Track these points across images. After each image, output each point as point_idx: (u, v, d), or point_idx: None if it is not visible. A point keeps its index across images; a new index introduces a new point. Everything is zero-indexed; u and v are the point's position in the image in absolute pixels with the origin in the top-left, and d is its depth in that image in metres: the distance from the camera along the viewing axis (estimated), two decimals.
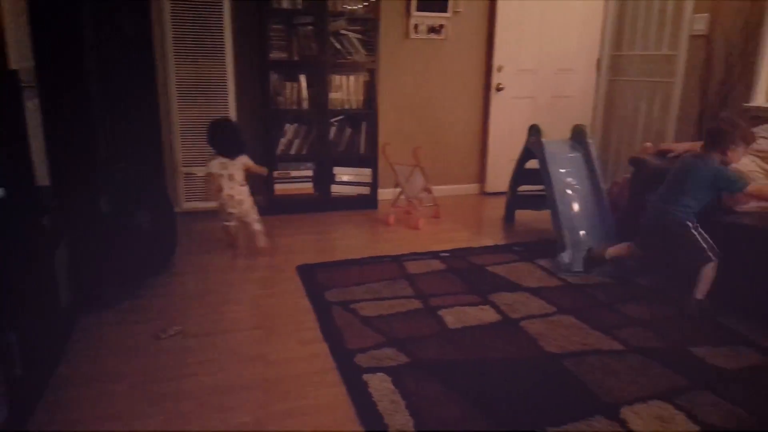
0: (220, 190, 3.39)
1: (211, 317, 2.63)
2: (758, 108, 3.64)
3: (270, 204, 4.35)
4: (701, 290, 2.67)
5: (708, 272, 2.65)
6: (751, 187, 2.64)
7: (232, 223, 3.50)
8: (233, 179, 3.39)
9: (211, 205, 4.20)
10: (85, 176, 2.56)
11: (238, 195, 3.41)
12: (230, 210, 3.42)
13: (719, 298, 2.72)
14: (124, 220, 2.75)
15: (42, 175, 2.45)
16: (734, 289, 2.68)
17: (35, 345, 1.96)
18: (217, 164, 3.38)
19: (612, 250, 3.08)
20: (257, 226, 3.50)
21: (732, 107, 3.79)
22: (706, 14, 3.95)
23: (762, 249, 2.55)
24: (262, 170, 3.61)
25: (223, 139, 3.41)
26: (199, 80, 4.06)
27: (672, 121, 4.29)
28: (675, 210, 2.72)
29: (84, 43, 2.46)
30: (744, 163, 2.95)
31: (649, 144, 3.53)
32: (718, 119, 2.85)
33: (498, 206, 4.52)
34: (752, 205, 2.77)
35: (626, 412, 1.91)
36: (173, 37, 3.94)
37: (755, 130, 3.15)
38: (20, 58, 2.29)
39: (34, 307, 2.01)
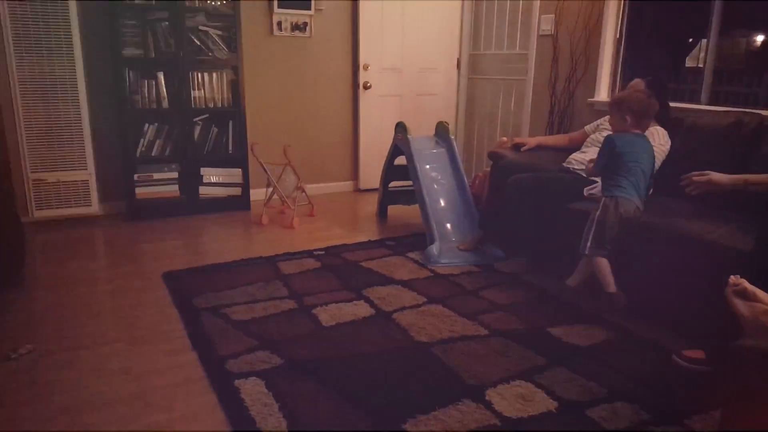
0: None
1: (67, 332, 2.43)
2: (601, 102, 3.99)
3: (132, 209, 4.08)
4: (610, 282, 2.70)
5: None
6: None
7: None
8: None
9: (64, 212, 3.92)
10: None
11: None
12: None
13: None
14: None
15: None
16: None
17: None
18: None
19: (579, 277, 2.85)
20: None
21: (578, 101, 4.17)
22: (551, 15, 4.30)
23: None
24: None
25: None
26: (46, 79, 3.74)
27: (526, 116, 4.63)
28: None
29: None
30: (590, 154, 3.23)
31: (505, 138, 3.79)
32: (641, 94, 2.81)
33: (371, 202, 4.60)
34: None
35: (491, 394, 2.01)
36: (13, 33, 3.59)
37: (599, 122, 3.49)
38: None
39: None
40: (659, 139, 3.03)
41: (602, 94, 4.07)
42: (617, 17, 3.98)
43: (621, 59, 4.04)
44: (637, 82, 3.17)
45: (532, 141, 3.62)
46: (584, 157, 3.25)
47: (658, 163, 2.95)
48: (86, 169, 3.94)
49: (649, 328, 2.56)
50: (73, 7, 3.69)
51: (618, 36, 4.01)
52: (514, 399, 1.99)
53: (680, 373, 2.19)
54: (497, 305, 2.78)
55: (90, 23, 3.87)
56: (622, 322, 2.61)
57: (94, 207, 4.03)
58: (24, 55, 3.64)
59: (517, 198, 3.09)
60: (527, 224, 3.10)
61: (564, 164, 3.34)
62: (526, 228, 3.12)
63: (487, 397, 1.99)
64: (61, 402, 1.95)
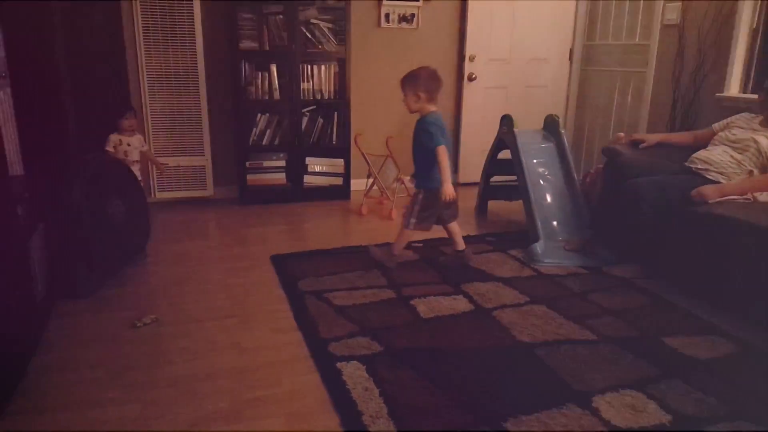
0: None
1: (185, 306, 2.61)
2: (731, 98, 3.68)
3: (243, 194, 4.30)
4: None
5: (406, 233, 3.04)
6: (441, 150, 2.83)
7: None
8: None
9: (183, 194, 4.20)
10: (58, 166, 2.55)
11: None
12: None
13: (695, 289, 2.77)
14: (98, 210, 2.71)
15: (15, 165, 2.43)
16: (708, 280, 2.71)
17: (11, 333, 1.94)
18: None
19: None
20: None
21: (705, 97, 3.85)
22: (678, 3, 4.00)
23: (736, 240, 2.56)
24: None
25: None
26: (170, 70, 4.03)
27: (645, 111, 4.35)
28: None
29: (55, 33, 2.43)
30: (716, 152, 3.01)
31: (622, 134, 3.56)
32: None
33: (471, 197, 4.53)
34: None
35: (598, 401, 1.92)
36: (143, 27, 3.90)
37: (730, 119, 3.21)
38: None
39: (8, 297, 1.98)
40: None
41: (733, 89, 3.73)
42: (754, 4, 3.62)
43: (757, 52, 3.67)
44: None
45: (653, 138, 3.37)
46: (709, 155, 3.02)
47: None
48: (203, 155, 4.21)
49: None
50: (196, 2, 3.93)
51: (756, 25, 3.65)
52: (623, 408, 1.89)
53: None
54: (607, 310, 2.64)
55: (210, 17, 4.11)
56: (747, 336, 2.39)
57: (210, 190, 4.30)
58: (152, 48, 3.94)
59: (635, 207, 2.93)
60: (644, 229, 2.92)
61: (686, 164, 3.11)
62: (643, 233, 2.94)
63: (594, 404, 1.90)
64: (178, 370, 2.09)
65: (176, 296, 2.72)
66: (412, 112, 2.97)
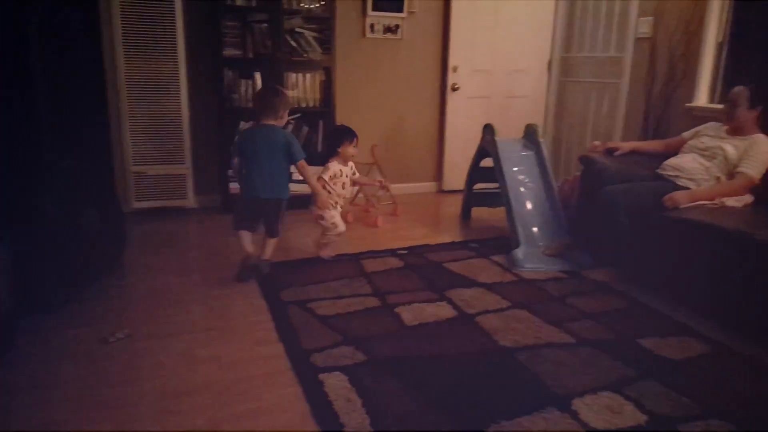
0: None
1: (161, 319, 2.55)
2: (700, 108, 3.78)
3: (225, 203, 4.28)
4: (269, 253, 3.12)
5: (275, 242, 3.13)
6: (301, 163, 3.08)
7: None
8: None
9: (162, 203, 4.14)
10: (28, 173, 2.45)
11: None
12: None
13: (669, 291, 2.85)
14: (70, 219, 2.63)
15: None
16: (681, 283, 2.79)
17: None
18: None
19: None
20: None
21: (675, 107, 3.95)
22: (650, 17, 4.10)
23: (706, 243, 2.64)
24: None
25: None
26: (150, 76, 3.97)
27: (619, 121, 4.43)
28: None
29: (28, 37, 2.36)
30: (686, 160, 3.10)
31: (597, 142, 3.64)
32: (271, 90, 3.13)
33: (455, 204, 4.57)
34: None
35: (577, 404, 1.96)
36: (123, 32, 3.84)
37: (699, 128, 3.30)
38: None
39: None
40: (765, 147, 2.93)
41: (702, 99, 3.84)
42: (720, 19, 3.73)
43: (723, 64, 3.78)
44: (740, 90, 3.04)
45: (627, 146, 3.47)
46: (680, 162, 3.13)
47: (762, 169, 2.88)
48: (184, 163, 4.17)
49: (747, 344, 2.41)
50: (178, 8, 3.90)
51: (722, 39, 3.75)
52: (601, 410, 1.93)
53: None
54: (585, 313, 2.69)
55: (193, 23, 4.08)
56: (718, 336, 2.47)
57: (190, 200, 4.25)
58: (131, 53, 3.88)
59: (611, 212, 3.00)
60: (620, 234, 3.00)
61: (658, 171, 3.21)
62: (619, 237, 3.01)
63: (573, 407, 1.94)
64: (153, 386, 2.03)
65: (151, 309, 2.64)
66: None
